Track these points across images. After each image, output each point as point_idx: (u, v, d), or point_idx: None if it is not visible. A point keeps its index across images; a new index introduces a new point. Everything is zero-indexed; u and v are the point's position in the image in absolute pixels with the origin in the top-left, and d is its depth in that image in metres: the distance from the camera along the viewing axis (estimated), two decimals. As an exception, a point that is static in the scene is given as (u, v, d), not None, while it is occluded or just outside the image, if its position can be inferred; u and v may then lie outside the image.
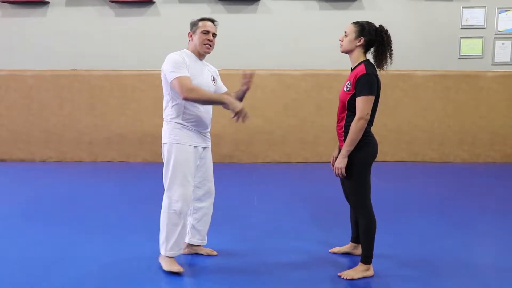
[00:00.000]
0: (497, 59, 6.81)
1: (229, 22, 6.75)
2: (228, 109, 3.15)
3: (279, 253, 3.62)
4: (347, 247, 3.61)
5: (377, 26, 3.20)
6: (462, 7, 6.74)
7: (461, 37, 6.80)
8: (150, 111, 6.79)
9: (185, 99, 3.13)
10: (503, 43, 6.77)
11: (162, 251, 3.30)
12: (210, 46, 3.32)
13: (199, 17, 3.37)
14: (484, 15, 6.72)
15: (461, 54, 6.83)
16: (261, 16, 6.80)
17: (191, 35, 3.32)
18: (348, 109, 3.14)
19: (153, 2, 6.76)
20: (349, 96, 3.09)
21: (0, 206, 4.80)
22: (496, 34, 6.78)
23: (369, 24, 3.17)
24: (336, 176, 3.15)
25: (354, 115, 3.07)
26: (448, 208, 4.79)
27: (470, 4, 6.73)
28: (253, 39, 6.79)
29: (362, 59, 3.17)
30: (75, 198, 5.10)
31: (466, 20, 6.75)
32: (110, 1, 6.71)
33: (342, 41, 3.20)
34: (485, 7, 6.72)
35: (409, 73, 6.79)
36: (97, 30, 6.82)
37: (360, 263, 3.24)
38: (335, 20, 6.69)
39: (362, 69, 3.07)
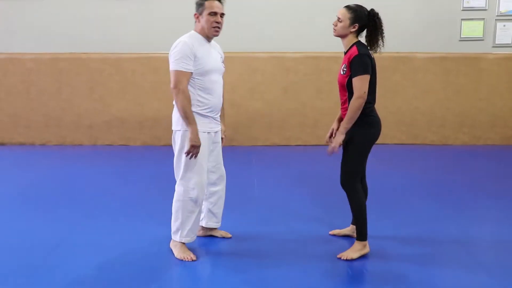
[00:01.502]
0: (498, 41, 6.76)
1: (228, 4, 6.66)
2: None
3: (281, 236, 3.65)
4: (348, 229, 3.65)
5: (369, 10, 3.22)
6: (463, -11, 6.68)
7: (462, 19, 6.74)
8: (150, 95, 6.77)
9: (172, 92, 3.11)
10: (504, 25, 6.72)
11: (176, 238, 3.30)
12: (219, 28, 3.23)
13: None
14: (486, -4, 6.66)
15: (462, 36, 6.78)
16: (260, -2, 6.73)
17: (197, 17, 3.22)
18: (348, 91, 3.19)
19: (152, -16, 6.70)
20: (347, 78, 3.15)
21: (0, 190, 4.81)
22: (497, 15, 6.72)
23: (362, 8, 3.21)
24: (328, 152, 3.19)
25: (351, 96, 3.14)
26: (447, 190, 4.81)
27: (471, -15, 6.68)
28: (253, 21, 6.73)
29: (354, 41, 3.21)
30: (75, 182, 5.12)
31: (467, 1, 6.69)
32: (108, -16, 6.65)
33: (336, 25, 3.22)
34: (486, -12, 6.66)
35: (409, 56, 6.76)
36: (96, 13, 6.76)
37: (356, 242, 3.30)
38: (335, 1, 6.59)
39: (354, 50, 3.12)
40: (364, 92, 3.07)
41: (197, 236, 3.53)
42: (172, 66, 3.13)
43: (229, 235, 3.63)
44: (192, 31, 3.28)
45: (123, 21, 6.77)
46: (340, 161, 3.31)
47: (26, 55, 6.78)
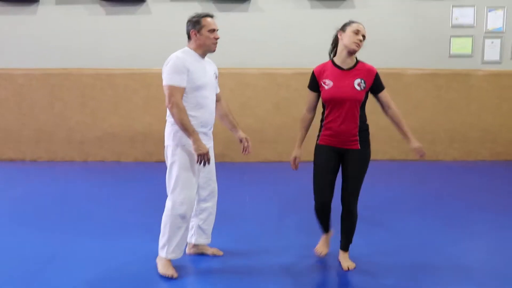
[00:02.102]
0: (486, 57, 6.85)
1: (220, 20, 6.68)
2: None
3: (272, 253, 3.64)
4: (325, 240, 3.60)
5: None
6: (452, 6, 6.77)
7: (451, 36, 6.83)
8: (142, 110, 6.77)
9: (167, 107, 3.12)
10: (492, 42, 6.82)
11: (162, 254, 3.28)
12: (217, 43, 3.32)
13: (195, 14, 3.31)
14: (474, 14, 6.76)
15: (451, 53, 6.87)
16: (252, 15, 6.79)
17: (195, 34, 3.25)
18: (361, 108, 3.25)
19: (144, 1, 6.73)
20: (364, 93, 3.23)
21: (-10, 206, 4.76)
22: (485, 32, 6.82)
23: None
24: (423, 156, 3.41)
25: (362, 116, 3.27)
26: (438, 205, 4.83)
27: (460, 3, 6.77)
28: (244, 37, 6.78)
29: (355, 57, 3.28)
30: (66, 198, 5.08)
31: (456, 18, 6.79)
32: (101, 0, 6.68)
33: (361, 41, 3.21)
34: (474, 6, 6.76)
35: (400, 72, 6.82)
36: (88, 29, 6.78)
37: (345, 252, 3.40)
38: (326, 18, 6.69)
39: (371, 66, 3.26)
40: None
41: (189, 254, 3.51)
42: (166, 81, 3.14)
43: (221, 253, 3.60)
44: (186, 48, 3.30)
45: (115, 37, 6.79)
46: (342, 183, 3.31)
47: (18, 71, 6.77)
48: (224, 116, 3.63)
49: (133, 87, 6.76)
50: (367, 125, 3.31)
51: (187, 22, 3.30)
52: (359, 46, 3.15)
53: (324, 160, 3.28)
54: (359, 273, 3.27)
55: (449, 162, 6.81)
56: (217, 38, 3.31)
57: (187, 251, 3.59)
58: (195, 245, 3.58)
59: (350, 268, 3.31)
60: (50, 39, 6.80)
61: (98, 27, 6.78)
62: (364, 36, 3.16)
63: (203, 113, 3.24)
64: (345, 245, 3.39)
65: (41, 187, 5.48)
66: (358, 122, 3.22)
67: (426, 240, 3.89)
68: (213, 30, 3.29)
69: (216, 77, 3.43)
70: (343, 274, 3.26)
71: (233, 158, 6.83)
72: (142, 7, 6.77)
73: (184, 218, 3.21)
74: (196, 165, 3.23)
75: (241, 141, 3.56)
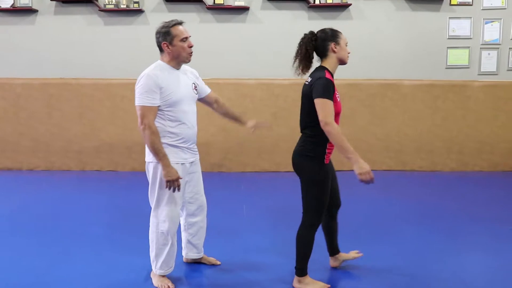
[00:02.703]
0: (483, 69, 6.89)
1: (218, 31, 6.76)
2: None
3: (269, 264, 3.61)
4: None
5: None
6: (449, 18, 6.82)
7: (448, 47, 6.87)
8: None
9: (139, 129, 3.01)
10: (489, 53, 6.86)
11: (153, 268, 3.26)
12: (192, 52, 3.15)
13: (163, 23, 3.13)
14: (471, 25, 6.81)
15: (448, 64, 6.90)
16: (250, 26, 6.82)
17: (167, 46, 3.10)
18: None
19: (142, 11, 6.77)
20: None
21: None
22: (482, 44, 6.86)
23: None
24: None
25: None
26: (437, 216, 4.82)
27: (456, 15, 6.82)
28: (242, 48, 6.81)
29: None
30: (62, 208, 5.06)
31: (453, 30, 6.83)
32: (99, 10, 6.70)
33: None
34: (471, 17, 6.81)
35: (397, 83, 6.85)
36: (86, 39, 6.80)
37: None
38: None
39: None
40: None
41: (186, 262, 3.49)
42: (137, 101, 3.04)
43: (218, 262, 3.59)
44: (158, 61, 3.17)
45: (113, 47, 6.81)
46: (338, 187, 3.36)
47: (16, 80, 6.77)
48: (226, 114, 3.55)
49: (131, 97, 6.69)
50: None
51: (156, 34, 3.14)
52: None
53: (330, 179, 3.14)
54: (358, 286, 3.25)
55: (446, 173, 6.81)
56: (191, 47, 3.13)
57: (184, 259, 3.58)
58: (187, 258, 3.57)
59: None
60: (49, 49, 6.82)
61: (96, 37, 6.80)
62: None
63: (183, 128, 3.14)
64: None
65: (39, 196, 5.46)
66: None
67: (424, 251, 3.88)
68: (185, 39, 3.11)
69: (195, 86, 3.27)
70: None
71: (230, 168, 6.82)
72: (140, 18, 6.79)
73: (168, 235, 3.15)
74: (182, 182, 3.14)
75: (255, 127, 3.49)
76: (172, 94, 3.06)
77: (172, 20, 3.14)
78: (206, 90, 3.46)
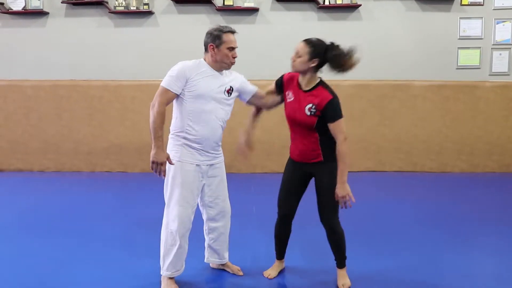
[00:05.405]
0: (494, 69, 6.83)
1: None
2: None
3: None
4: (278, 266, 3.54)
5: (328, 44, 3.07)
6: (460, 18, 6.77)
7: (458, 48, 6.83)
8: (149, 121, 6.76)
9: (150, 104, 3.04)
10: (500, 54, 6.80)
11: (162, 271, 3.22)
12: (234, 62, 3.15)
13: (217, 26, 3.15)
14: (482, 26, 6.76)
15: (458, 65, 6.85)
16: (259, 27, 6.82)
17: (213, 48, 3.09)
18: (318, 132, 3.08)
19: (152, 13, 6.79)
20: (316, 119, 3.03)
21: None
22: (493, 44, 6.81)
23: (321, 42, 3.06)
24: (346, 207, 3.06)
25: (326, 135, 3.05)
26: (447, 218, 4.79)
27: (467, 15, 6.77)
28: (252, 49, 6.80)
29: (317, 79, 3.09)
30: (73, 209, 5.08)
31: (464, 30, 6.78)
32: (109, 12, 6.73)
33: (294, 60, 3.09)
34: (482, 18, 6.76)
35: (407, 84, 6.81)
36: (96, 41, 6.84)
37: (341, 269, 3.31)
38: (333, 30, 6.71)
39: (327, 95, 3.01)
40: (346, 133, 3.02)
41: (212, 268, 3.47)
42: (163, 82, 3.08)
43: (241, 273, 3.48)
44: (202, 60, 3.17)
45: (123, 48, 6.84)
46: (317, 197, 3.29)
47: (26, 82, 6.82)
48: (260, 111, 3.59)
49: (141, 99, 6.79)
50: None
51: (207, 34, 3.14)
52: None
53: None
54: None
55: (457, 174, 6.76)
56: (234, 57, 3.15)
57: (210, 264, 3.56)
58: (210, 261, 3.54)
59: (344, 286, 3.22)
60: (59, 51, 6.86)
61: (106, 39, 6.83)
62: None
63: (201, 128, 3.10)
64: (338, 263, 3.33)
65: (49, 197, 5.49)
66: (318, 144, 3.16)
67: (436, 254, 3.86)
68: (233, 48, 3.12)
69: (229, 91, 3.21)
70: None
71: (240, 169, 6.82)
72: (150, 19, 6.82)
73: (176, 235, 3.10)
74: (196, 183, 3.13)
75: (239, 147, 3.56)
76: (197, 87, 3.05)
77: (227, 26, 3.17)
78: (251, 90, 3.42)
